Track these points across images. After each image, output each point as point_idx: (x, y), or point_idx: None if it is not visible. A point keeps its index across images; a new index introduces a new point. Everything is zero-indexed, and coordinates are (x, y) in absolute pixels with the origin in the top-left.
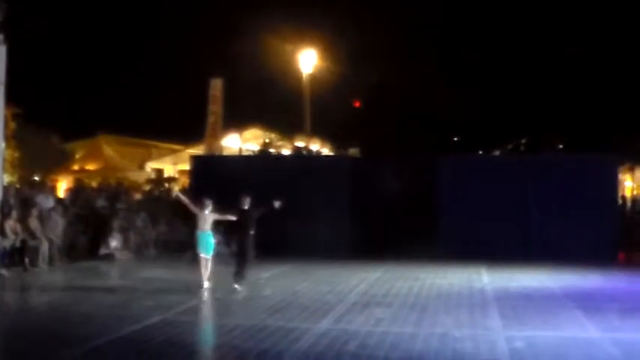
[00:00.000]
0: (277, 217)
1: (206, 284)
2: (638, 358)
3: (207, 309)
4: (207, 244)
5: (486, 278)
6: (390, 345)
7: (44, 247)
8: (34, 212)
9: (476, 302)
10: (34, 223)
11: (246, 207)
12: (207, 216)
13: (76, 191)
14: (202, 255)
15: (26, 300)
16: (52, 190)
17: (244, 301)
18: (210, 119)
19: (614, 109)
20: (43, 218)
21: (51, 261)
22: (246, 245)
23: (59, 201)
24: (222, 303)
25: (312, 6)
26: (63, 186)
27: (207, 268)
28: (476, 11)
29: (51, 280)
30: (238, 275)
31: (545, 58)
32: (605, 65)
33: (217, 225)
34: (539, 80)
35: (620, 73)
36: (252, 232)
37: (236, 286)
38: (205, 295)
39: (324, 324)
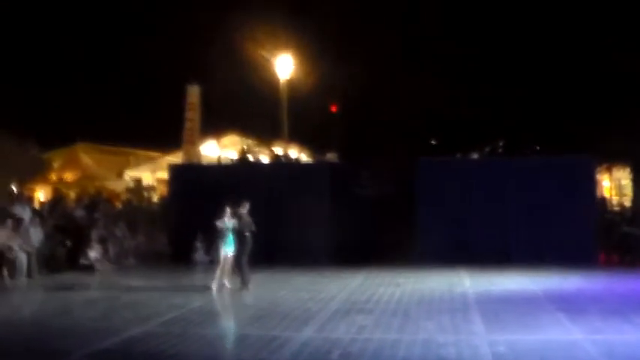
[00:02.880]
0: (255, 224)
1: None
2: (620, 359)
3: (187, 320)
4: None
5: (467, 282)
6: (373, 352)
7: (22, 258)
8: (10, 223)
9: (457, 307)
10: (11, 234)
11: (244, 211)
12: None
13: (54, 201)
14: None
15: (3, 313)
16: (29, 200)
17: (225, 310)
18: (188, 126)
19: (592, 110)
20: (20, 229)
21: (29, 273)
22: (242, 250)
23: (37, 212)
24: (203, 313)
25: (289, 11)
26: (40, 196)
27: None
28: (451, 15)
29: (29, 292)
30: (242, 279)
31: (521, 60)
32: (582, 66)
33: (196, 232)
34: (515, 82)
35: (597, 73)
36: (248, 235)
37: (246, 289)
38: (186, 305)
39: (306, 332)
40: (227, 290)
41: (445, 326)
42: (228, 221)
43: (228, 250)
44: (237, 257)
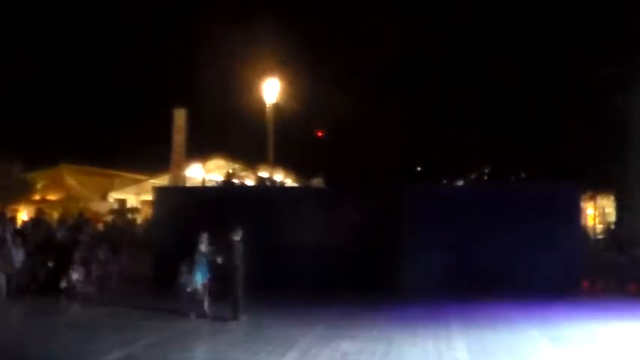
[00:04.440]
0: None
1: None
2: None
3: (170, 343)
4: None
5: (452, 307)
6: None
7: (2, 279)
8: None
9: (441, 333)
10: None
11: (237, 238)
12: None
13: (36, 222)
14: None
15: None
16: (12, 220)
17: (208, 334)
18: (175, 150)
19: (576, 138)
20: (2, 250)
21: (9, 294)
22: (235, 277)
23: (19, 232)
24: (186, 337)
25: (277, 35)
26: (23, 216)
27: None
28: (437, 42)
29: (8, 314)
30: (233, 309)
31: (506, 88)
32: (568, 94)
33: (181, 256)
34: (501, 109)
35: (580, 102)
36: (239, 264)
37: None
38: (169, 328)
39: (290, 357)
40: (209, 317)
41: (429, 351)
42: (204, 248)
43: (202, 277)
44: (231, 287)
